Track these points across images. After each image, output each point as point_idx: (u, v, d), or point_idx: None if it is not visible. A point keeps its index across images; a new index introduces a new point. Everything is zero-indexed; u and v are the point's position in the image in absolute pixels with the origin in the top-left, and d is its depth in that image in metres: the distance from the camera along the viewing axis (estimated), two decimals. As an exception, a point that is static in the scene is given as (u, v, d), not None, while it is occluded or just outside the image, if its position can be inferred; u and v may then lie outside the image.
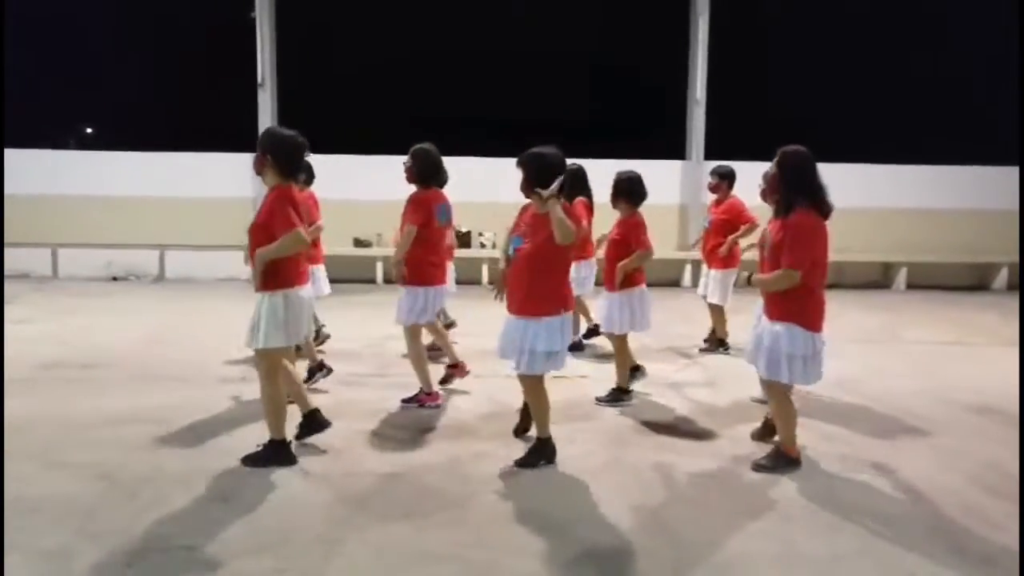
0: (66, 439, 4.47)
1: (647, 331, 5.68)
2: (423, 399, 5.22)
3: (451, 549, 3.24)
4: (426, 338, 5.58)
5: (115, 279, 11.56)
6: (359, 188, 11.16)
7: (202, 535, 3.29)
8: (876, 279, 12.29)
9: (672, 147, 12.54)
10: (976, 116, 15.04)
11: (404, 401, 5.24)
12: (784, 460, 4.18)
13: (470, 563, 3.13)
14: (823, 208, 3.96)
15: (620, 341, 5.48)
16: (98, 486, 3.78)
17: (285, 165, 4.03)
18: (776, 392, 4.16)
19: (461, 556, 3.18)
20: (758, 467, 4.17)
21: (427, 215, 5.09)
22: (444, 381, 5.63)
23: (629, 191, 5.36)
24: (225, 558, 3.11)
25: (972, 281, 12.27)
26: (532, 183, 3.95)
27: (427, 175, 5.19)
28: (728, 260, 6.94)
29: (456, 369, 5.70)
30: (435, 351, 6.06)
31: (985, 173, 12.58)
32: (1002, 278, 12.05)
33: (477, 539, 3.34)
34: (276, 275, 3.96)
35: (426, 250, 5.11)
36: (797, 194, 3.94)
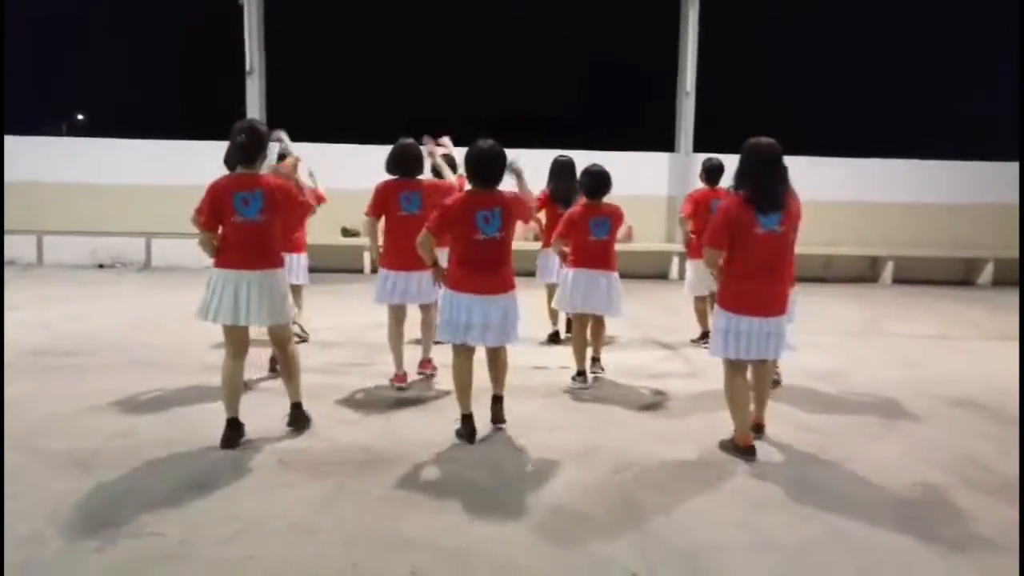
0: (45, 425, 4.46)
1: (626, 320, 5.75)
2: (393, 378, 5.44)
3: (425, 536, 3.25)
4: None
5: (101, 267, 11.52)
6: (346, 177, 11.12)
7: (174, 521, 3.29)
8: (863, 273, 12.34)
9: (661, 139, 12.54)
10: (965, 111, 15.10)
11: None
12: (731, 446, 4.31)
13: (443, 551, 3.14)
14: (758, 200, 4.06)
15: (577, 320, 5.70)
16: (73, 472, 3.78)
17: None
18: (724, 369, 4.35)
19: (434, 544, 3.19)
20: (721, 445, 4.38)
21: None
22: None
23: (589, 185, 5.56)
24: (197, 544, 3.11)
25: (958, 276, 12.33)
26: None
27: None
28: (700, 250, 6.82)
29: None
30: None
31: (973, 168, 12.64)
32: (987, 273, 12.11)
33: (451, 526, 3.34)
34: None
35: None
36: (740, 180, 4.15)
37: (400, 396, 5.21)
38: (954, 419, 5.09)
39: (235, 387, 4.22)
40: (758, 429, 4.51)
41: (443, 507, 3.54)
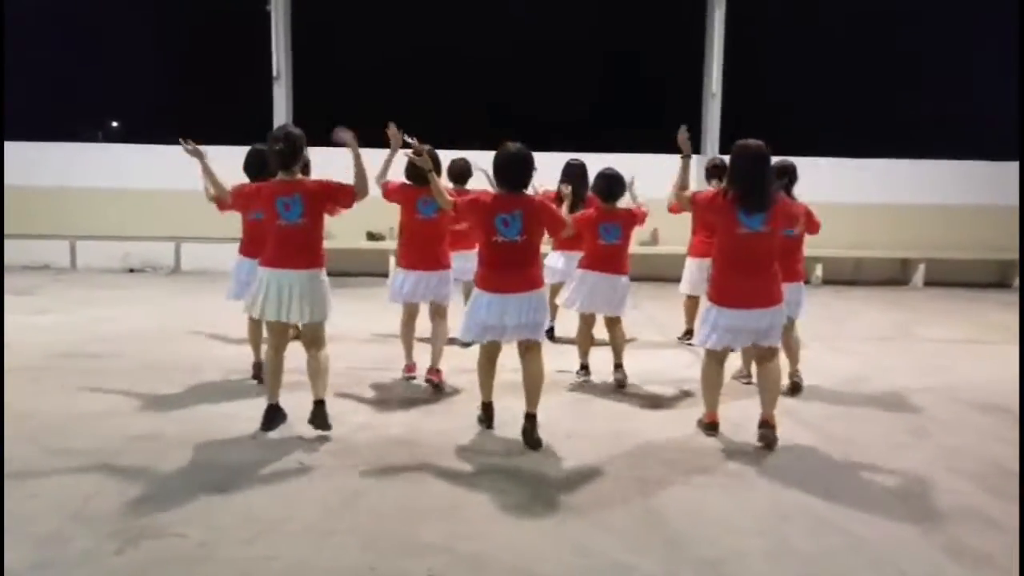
0: (69, 426, 4.53)
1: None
2: (405, 369, 5.69)
3: (443, 540, 3.25)
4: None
5: (131, 271, 11.70)
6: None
7: (195, 523, 3.32)
8: (894, 276, 12.14)
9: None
10: (996, 111, 14.81)
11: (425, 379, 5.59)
12: (701, 424, 4.72)
13: (461, 555, 3.13)
14: (743, 200, 4.27)
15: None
16: (96, 473, 3.83)
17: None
18: (704, 355, 4.67)
19: (452, 548, 3.18)
20: (697, 423, 4.75)
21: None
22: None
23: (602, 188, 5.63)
24: (217, 546, 3.14)
25: (992, 278, 12.07)
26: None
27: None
28: (700, 249, 6.79)
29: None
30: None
31: (1005, 169, 12.36)
32: (1022, 276, 11.84)
33: (469, 531, 3.34)
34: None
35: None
36: (729, 180, 4.39)
37: (417, 398, 5.21)
38: (982, 426, 4.99)
39: (277, 376, 4.46)
40: (767, 426, 4.45)
41: (461, 511, 3.54)
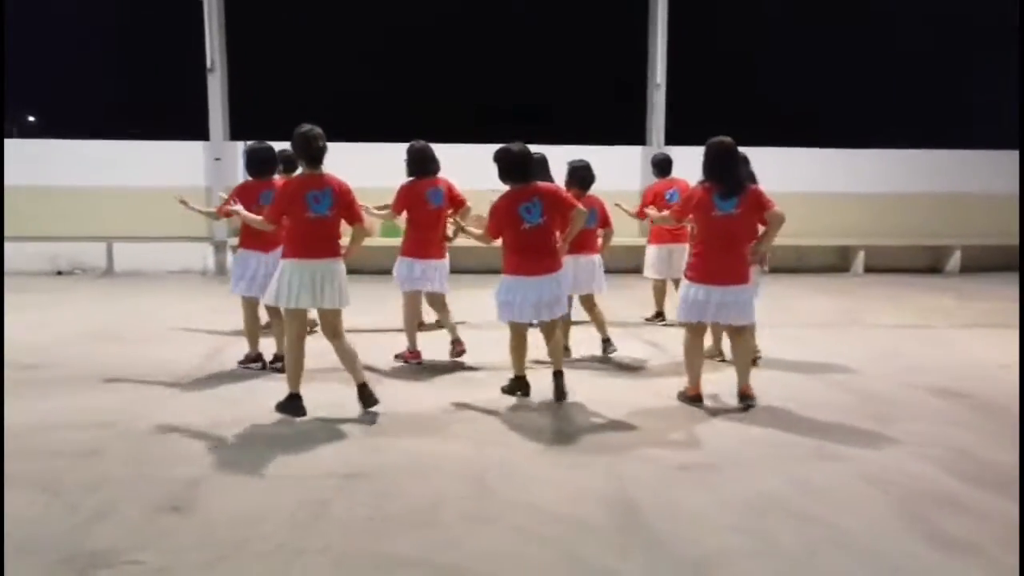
0: (6, 445, 4.19)
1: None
2: (407, 355, 6.06)
3: (418, 553, 3.10)
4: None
5: (60, 273, 11.13)
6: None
7: (151, 547, 3.09)
8: (834, 263, 12.40)
9: (632, 132, 12.46)
10: (929, 99, 15.27)
11: (395, 356, 6.11)
12: (685, 397, 5.09)
13: (439, 568, 2.99)
14: (719, 187, 4.80)
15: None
16: (40, 497, 3.54)
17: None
18: (684, 331, 5.09)
19: (429, 560, 3.04)
20: (678, 396, 5.15)
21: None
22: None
23: (582, 179, 6.12)
24: (176, 572, 2.93)
25: (927, 264, 12.45)
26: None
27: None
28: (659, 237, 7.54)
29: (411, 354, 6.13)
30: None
31: (939, 157, 12.77)
32: (955, 261, 12.25)
33: (445, 541, 3.20)
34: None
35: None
36: (705, 172, 4.90)
37: (386, 410, 5.03)
38: (942, 411, 5.06)
39: (302, 364, 4.73)
40: (746, 398, 5.00)
41: (434, 521, 3.39)
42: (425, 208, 5.93)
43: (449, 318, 6.24)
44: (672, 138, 11.83)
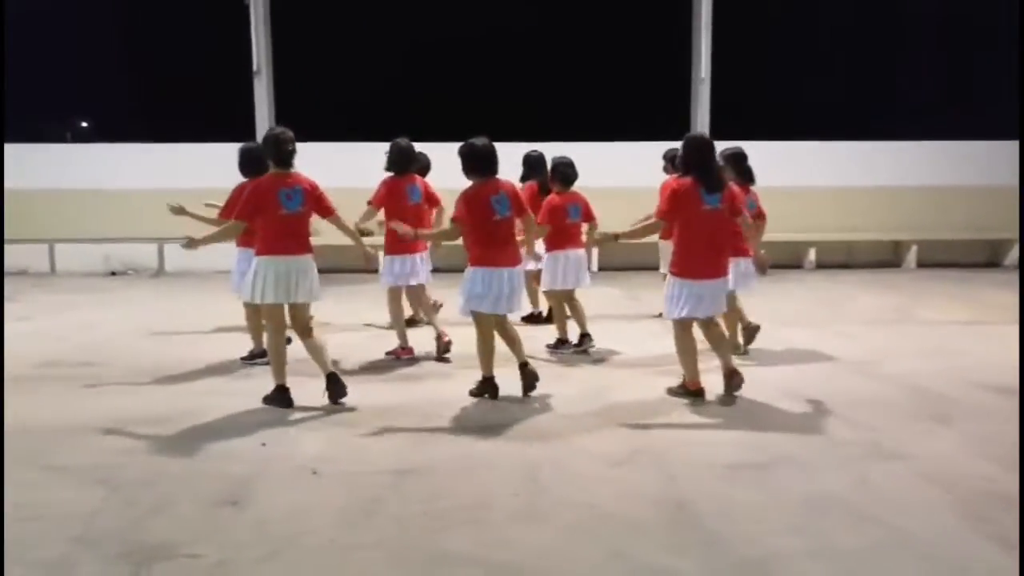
0: (64, 441, 4.31)
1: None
2: (399, 352, 6.13)
3: (472, 550, 3.09)
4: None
5: (113, 274, 11.40)
6: (359, 176, 10.96)
7: (208, 541, 3.14)
8: (886, 258, 12.11)
9: (678, 127, 12.32)
10: (984, 90, 14.83)
11: (387, 352, 6.18)
12: (684, 391, 5.04)
13: (493, 565, 2.98)
14: (704, 183, 4.81)
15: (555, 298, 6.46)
16: (98, 491, 3.62)
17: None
18: (674, 328, 5.04)
19: (484, 558, 3.03)
20: (670, 391, 5.12)
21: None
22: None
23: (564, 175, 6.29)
24: (235, 565, 2.96)
25: (983, 258, 12.08)
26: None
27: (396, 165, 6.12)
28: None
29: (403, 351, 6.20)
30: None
31: (994, 148, 12.35)
32: (1014, 255, 11.84)
33: (499, 539, 3.18)
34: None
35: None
36: (686, 168, 4.93)
37: (430, 406, 5.04)
38: (1000, 409, 4.88)
39: (284, 355, 4.85)
40: (734, 376, 5.01)
41: (487, 519, 3.37)
42: (406, 204, 6.04)
43: (431, 313, 6.32)
44: (717, 133, 11.66)
